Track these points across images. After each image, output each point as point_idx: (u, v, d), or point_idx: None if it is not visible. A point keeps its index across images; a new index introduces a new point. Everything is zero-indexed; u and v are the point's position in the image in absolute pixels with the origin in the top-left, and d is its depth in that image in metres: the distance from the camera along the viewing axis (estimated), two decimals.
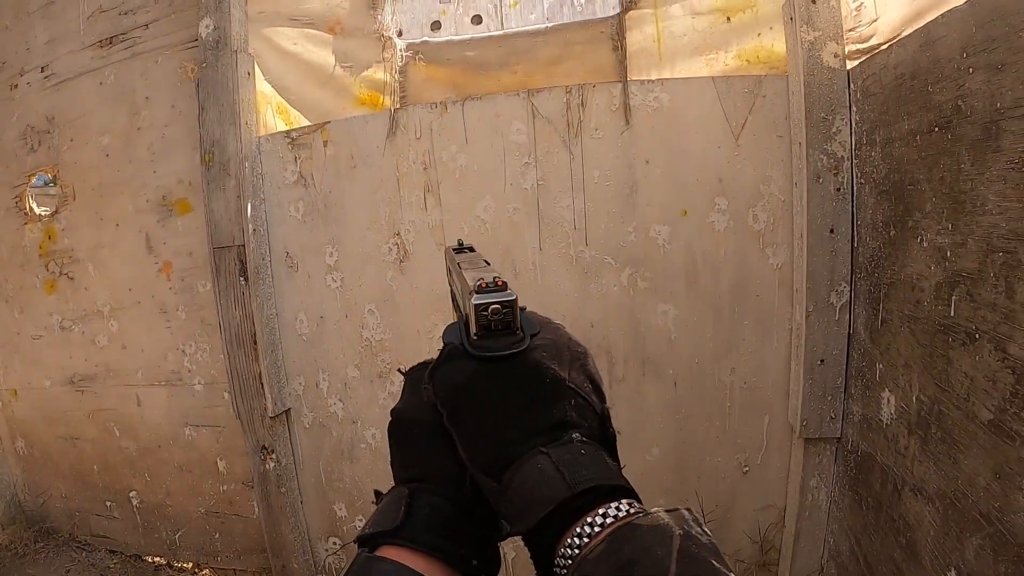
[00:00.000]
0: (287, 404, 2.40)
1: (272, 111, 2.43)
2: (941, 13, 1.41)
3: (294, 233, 2.34)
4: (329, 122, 2.27)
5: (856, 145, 1.83)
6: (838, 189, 1.86)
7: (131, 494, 2.84)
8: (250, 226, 2.30)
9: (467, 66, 2.14)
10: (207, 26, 2.37)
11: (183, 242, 2.50)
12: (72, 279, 2.76)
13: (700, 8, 2.06)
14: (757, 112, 2.00)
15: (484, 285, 0.56)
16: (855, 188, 1.85)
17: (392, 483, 0.62)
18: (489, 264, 0.70)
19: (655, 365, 2.09)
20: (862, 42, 1.86)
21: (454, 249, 0.79)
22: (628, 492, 0.49)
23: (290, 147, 2.32)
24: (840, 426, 1.93)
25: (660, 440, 2.13)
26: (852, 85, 1.84)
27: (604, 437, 0.56)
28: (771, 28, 2.03)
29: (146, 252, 2.58)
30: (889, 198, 1.68)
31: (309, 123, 2.37)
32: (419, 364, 0.67)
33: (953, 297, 1.42)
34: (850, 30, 1.88)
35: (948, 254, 1.45)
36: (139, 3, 2.59)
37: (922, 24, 1.50)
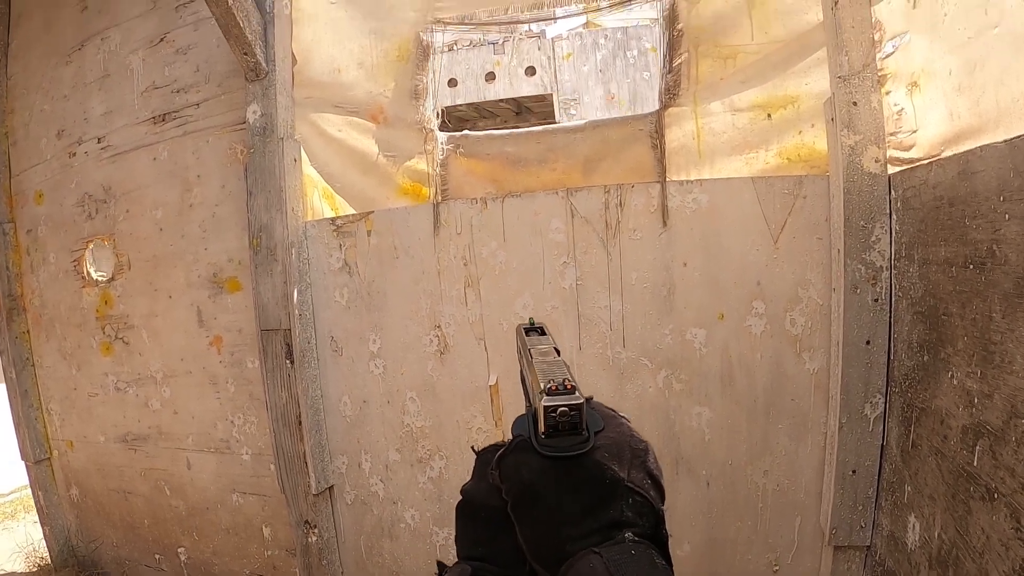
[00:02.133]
0: (330, 481, 2.66)
1: (318, 195, 2.67)
2: (980, 146, 1.51)
3: (338, 318, 2.59)
4: (373, 212, 2.51)
5: (895, 256, 1.96)
6: (876, 300, 1.99)
7: (179, 550, 3.16)
8: (296, 311, 2.55)
9: (507, 161, 2.34)
10: (254, 112, 2.63)
11: (233, 318, 2.78)
12: (127, 344, 3.08)
13: (740, 104, 2.20)
14: (797, 213, 2.14)
15: (554, 387, 0.65)
16: (893, 299, 1.97)
17: (455, 557, 0.72)
18: (559, 353, 0.79)
19: (688, 464, 2.26)
20: (903, 150, 1.97)
21: (525, 329, 0.91)
22: None
23: (335, 234, 2.57)
24: (870, 535, 2.07)
25: (692, 536, 2.31)
26: (893, 192, 1.96)
27: (657, 536, 0.63)
28: (812, 126, 2.16)
29: (197, 325, 2.87)
30: (924, 321, 1.81)
31: (354, 210, 2.60)
32: (490, 447, 0.74)
33: (977, 447, 1.56)
34: (891, 134, 2.00)
35: (975, 401, 1.58)
36: (190, 82, 2.87)
37: (961, 151, 1.59)
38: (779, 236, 2.15)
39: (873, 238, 1.97)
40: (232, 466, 2.91)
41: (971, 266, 1.54)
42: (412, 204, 2.49)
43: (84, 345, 3.24)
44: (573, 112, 5.65)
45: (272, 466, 2.76)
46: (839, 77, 1.95)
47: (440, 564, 0.73)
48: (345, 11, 2.66)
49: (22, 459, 3.50)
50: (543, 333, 0.90)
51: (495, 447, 0.72)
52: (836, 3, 1.96)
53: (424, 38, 2.51)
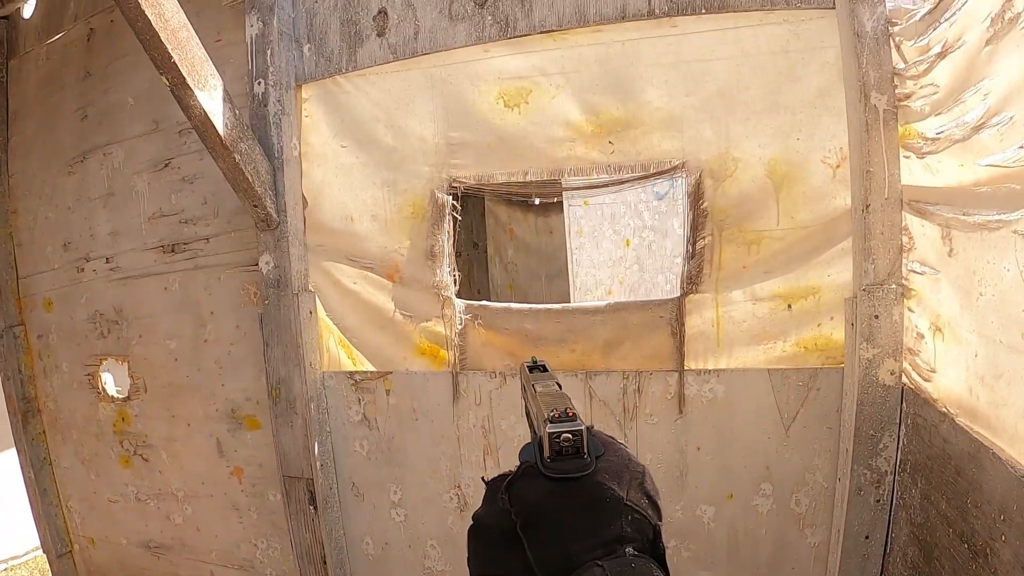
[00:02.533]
0: None
1: (335, 341, 2.73)
2: (995, 454, 1.46)
3: (359, 467, 2.70)
4: (392, 373, 2.58)
5: (900, 466, 2.07)
6: (878, 501, 2.12)
7: None
8: (318, 462, 2.65)
9: (525, 338, 2.39)
10: (267, 262, 2.65)
11: (253, 454, 2.88)
12: (147, 460, 3.18)
13: (761, 294, 2.26)
14: (810, 404, 2.24)
15: (557, 415, 0.75)
16: (894, 505, 2.10)
17: None
18: (560, 387, 0.92)
19: None
20: (918, 373, 2.04)
21: (528, 367, 1.03)
22: None
23: (354, 388, 2.64)
24: None
25: None
26: (905, 404, 2.05)
27: (655, 550, 0.73)
28: (831, 318, 2.23)
29: (217, 455, 2.96)
30: (919, 546, 1.94)
31: (372, 366, 2.65)
32: (499, 476, 0.83)
33: None
34: (909, 349, 2.06)
35: None
36: (198, 214, 2.87)
37: (976, 436, 1.62)
38: (790, 426, 2.26)
39: (881, 445, 2.08)
40: None
41: (967, 545, 1.66)
42: (431, 369, 2.55)
43: (102, 454, 3.33)
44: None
45: None
46: (863, 289, 2.01)
47: None
48: (356, 158, 2.64)
49: (43, 551, 3.63)
50: (545, 370, 1.01)
51: (503, 476, 0.81)
52: (867, 207, 2.01)
53: (440, 197, 2.50)
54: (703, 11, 2.23)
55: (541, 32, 2.38)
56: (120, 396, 3.21)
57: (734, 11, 2.20)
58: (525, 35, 2.39)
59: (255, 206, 2.56)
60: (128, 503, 3.32)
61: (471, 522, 0.85)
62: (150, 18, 2.11)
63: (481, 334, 2.48)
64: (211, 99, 2.32)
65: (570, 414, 0.76)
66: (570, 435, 0.73)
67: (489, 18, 2.43)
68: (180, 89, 2.27)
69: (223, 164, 2.44)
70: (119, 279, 3.09)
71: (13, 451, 3.58)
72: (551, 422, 0.75)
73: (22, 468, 3.52)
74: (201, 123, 2.33)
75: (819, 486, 2.28)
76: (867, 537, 2.16)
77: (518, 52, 2.43)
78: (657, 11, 2.26)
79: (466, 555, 0.85)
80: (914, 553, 1.96)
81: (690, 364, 2.31)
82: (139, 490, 3.26)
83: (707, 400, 2.30)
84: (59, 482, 3.55)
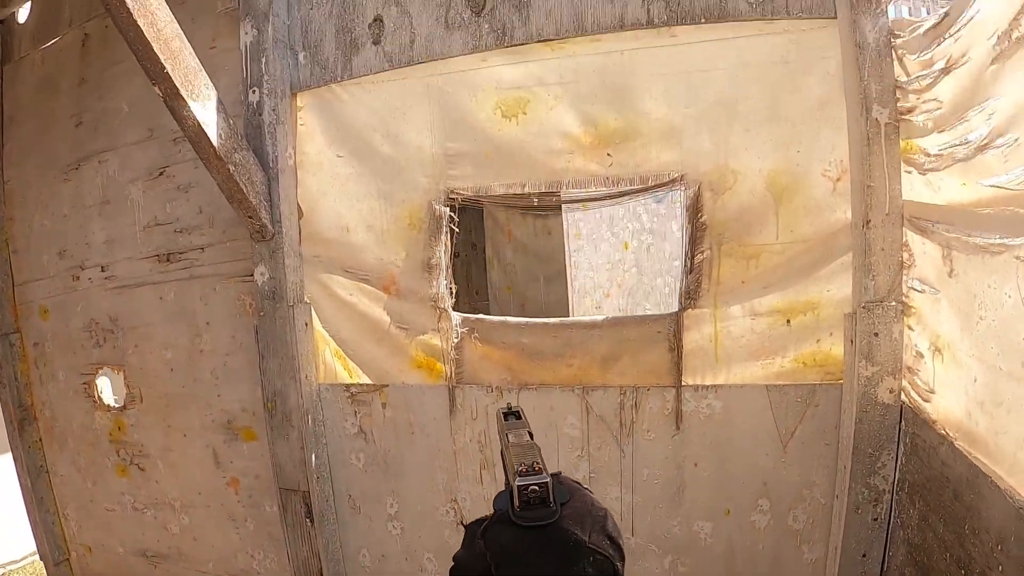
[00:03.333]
0: None
1: (330, 352, 2.70)
2: (992, 482, 1.44)
3: (356, 479, 2.68)
4: (388, 386, 2.56)
5: (898, 484, 2.04)
6: (875, 519, 2.09)
7: None
8: (314, 475, 2.63)
9: (522, 353, 2.37)
10: (262, 274, 2.63)
11: (249, 464, 2.86)
12: (143, 470, 3.16)
13: (760, 309, 2.23)
14: (808, 421, 2.22)
15: (525, 470, 0.86)
16: (891, 523, 2.07)
17: None
18: (531, 437, 1.01)
19: None
20: (918, 393, 2.01)
21: (504, 413, 1.12)
22: None
23: (350, 401, 2.62)
24: None
25: None
26: (904, 422, 2.02)
27: None
28: (831, 334, 2.20)
29: (214, 465, 2.95)
30: (916, 569, 1.91)
31: (368, 379, 2.63)
32: (476, 521, 0.95)
33: None
34: (909, 367, 2.03)
35: None
36: (194, 223, 2.84)
37: (974, 461, 1.59)
38: (789, 442, 2.24)
39: (879, 463, 2.05)
40: None
41: (963, 572, 1.63)
42: (427, 382, 2.53)
43: (99, 463, 3.31)
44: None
45: None
46: (863, 306, 1.98)
47: None
48: (352, 168, 2.61)
49: (40, 559, 3.62)
50: (519, 418, 1.11)
51: (480, 521, 0.92)
52: (868, 223, 1.97)
53: (437, 208, 2.47)
54: (702, 20, 2.20)
55: (539, 41, 2.34)
56: (116, 405, 3.19)
57: (734, 20, 2.17)
58: (522, 44, 2.36)
59: (250, 217, 2.53)
60: (125, 512, 3.31)
61: (451, 563, 0.96)
62: (142, 28, 2.08)
63: (478, 348, 2.46)
64: (205, 110, 2.29)
65: (536, 468, 0.86)
66: (536, 487, 0.83)
67: (486, 26, 2.39)
68: (173, 100, 2.23)
69: (217, 175, 2.42)
70: (114, 288, 3.07)
71: (9, 455, 3.56)
72: (519, 476, 0.85)
73: (19, 476, 3.50)
74: (195, 134, 2.30)
75: (817, 502, 2.25)
76: (864, 555, 2.13)
77: (516, 61, 2.40)
78: (656, 20, 2.22)
79: None
80: (911, 573, 1.93)
81: (688, 379, 2.28)
82: (136, 499, 3.25)
83: (705, 416, 2.27)
84: (56, 490, 3.54)
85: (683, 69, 2.25)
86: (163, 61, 2.14)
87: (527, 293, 8.50)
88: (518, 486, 0.83)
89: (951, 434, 1.69)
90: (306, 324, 2.63)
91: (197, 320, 2.87)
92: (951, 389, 1.72)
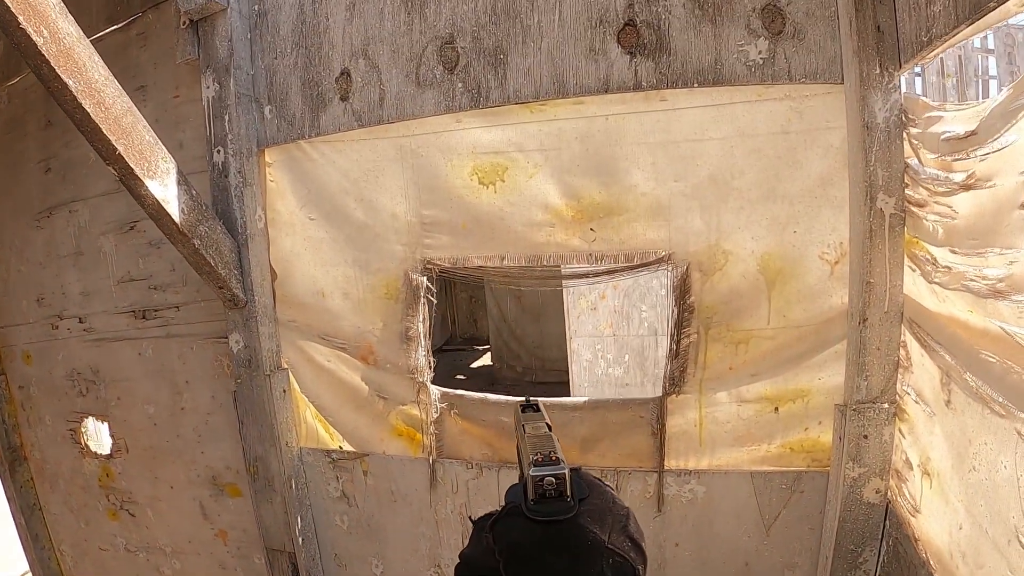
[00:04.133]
0: None
1: (311, 415, 2.64)
2: None
3: (340, 539, 2.66)
4: (368, 456, 2.50)
5: None
6: None
7: None
8: (300, 538, 2.61)
9: (502, 431, 2.30)
10: (237, 342, 2.55)
11: (236, 519, 2.84)
12: (133, 516, 3.16)
13: (748, 396, 2.14)
14: (792, 506, 2.16)
15: (540, 459, 0.77)
16: None
17: None
18: (550, 428, 0.94)
19: None
20: (903, 500, 1.91)
21: (522, 406, 1.07)
22: None
23: (331, 466, 2.58)
24: None
25: None
26: (888, 521, 1.96)
27: None
28: (820, 423, 2.12)
29: (201, 517, 2.93)
30: None
31: (348, 445, 2.57)
32: (484, 515, 0.85)
33: None
34: (897, 471, 1.92)
35: None
36: (167, 281, 2.75)
37: None
38: (772, 526, 2.18)
39: (861, 559, 2.00)
40: None
41: None
42: (407, 452, 2.47)
43: (90, 506, 3.31)
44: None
45: None
46: (853, 408, 1.89)
47: None
48: (326, 232, 2.49)
49: None
50: (537, 410, 1.04)
51: (489, 515, 0.83)
52: (864, 321, 1.86)
53: (414, 278, 2.36)
54: (695, 84, 2.02)
55: (517, 103, 2.18)
56: (103, 453, 3.16)
57: (730, 84, 2.00)
58: (499, 105, 2.20)
59: (220, 288, 2.43)
60: (118, 553, 3.33)
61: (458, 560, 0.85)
62: (88, 111, 1.93)
63: (458, 423, 2.38)
64: (164, 186, 2.16)
65: (554, 458, 0.77)
66: (553, 479, 0.74)
67: (460, 85, 2.22)
68: (129, 179, 2.10)
69: (183, 250, 2.30)
70: (93, 340, 2.99)
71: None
72: (535, 465, 0.75)
73: (13, 515, 3.51)
74: (155, 211, 2.18)
75: None
76: None
77: (493, 124, 2.24)
78: (644, 83, 2.05)
79: None
80: None
81: (670, 463, 2.21)
82: (128, 542, 3.26)
83: (687, 500, 2.21)
84: (50, 527, 3.55)
85: (673, 138, 2.08)
86: (114, 143, 2.00)
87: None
88: (533, 476, 0.74)
89: (933, 564, 1.62)
90: (284, 391, 2.56)
91: (176, 378, 2.81)
92: (936, 520, 1.64)
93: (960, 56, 6.24)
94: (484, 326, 9.82)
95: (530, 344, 8.03)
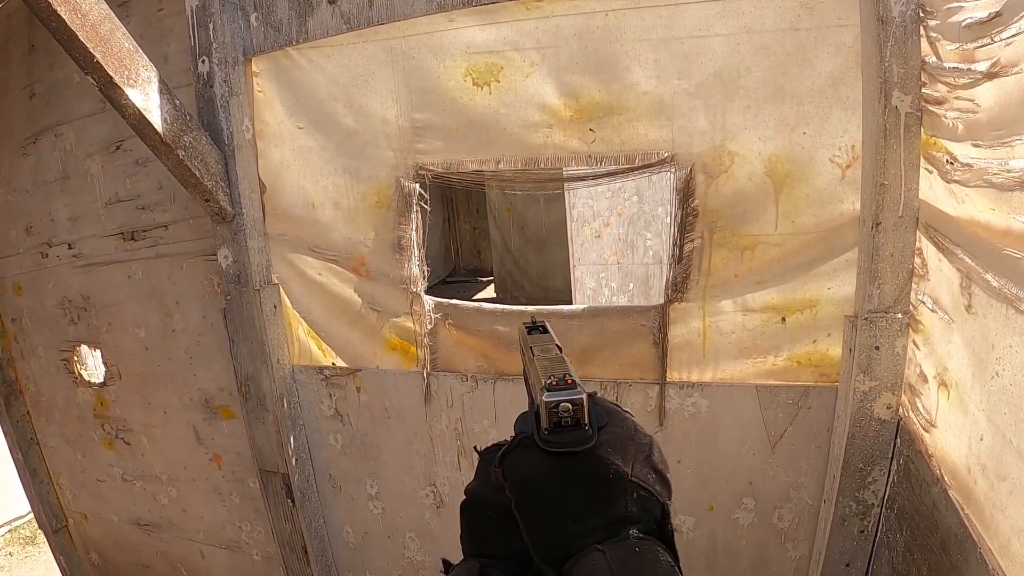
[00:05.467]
0: None
1: (304, 332, 2.58)
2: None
3: (335, 459, 2.62)
4: (361, 371, 2.44)
5: (888, 500, 1.91)
6: (861, 531, 1.97)
7: None
8: (293, 458, 2.57)
9: (498, 341, 2.23)
10: (225, 257, 2.48)
11: (230, 442, 2.80)
12: (128, 444, 3.13)
13: (753, 305, 2.06)
14: (799, 423, 2.09)
15: (555, 383, 0.67)
16: (878, 535, 1.96)
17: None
18: (560, 349, 0.84)
19: None
20: (916, 416, 1.82)
21: (527, 327, 0.96)
22: None
23: (324, 383, 2.53)
24: None
25: None
26: (899, 439, 1.86)
27: (663, 532, 0.65)
28: (828, 335, 2.03)
29: (195, 442, 2.90)
30: None
31: (341, 361, 2.52)
32: (493, 445, 0.77)
33: None
34: (911, 385, 1.84)
35: None
36: (155, 199, 2.68)
37: (964, 510, 1.46)
38: (777, 443, 2.11)
39: (870, 478, 1.90)
40: (244, 562, 3.07)
41: None
42: (401, 367, 2.41)
43: (86, 436, 3.27)
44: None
45: (283, 570, 2.92)
46: (864, 317, 1.79)
47: (445, 562, 0.76)
48: (314, 140, 2.40)
49: (40, 529, 3.67)
50: (545, 331, 0.93)
51: (497, 446, 0.74)
52: (877, 225, 1.75)
53: (406, 185, 2.27)
54: None
55: None
56: (96, 382, 3.12)
57: None
58: (493, 3, 2.09)
59: (207, 200, 2.35)
60: (115, 483, 3.30)
61: (463, 496, 0.77)
62: (64, 17, 1.82)
63: (453, 334, 2.32)
64: (145, 95, 2.06)
65: (569, 382, 0.67)
66: (569, 404, 0.64)
67: None
68: (109, 89, 2.00)
69: (167, 161, 2.21)
70: (83, 266, 2.93)
71: None
72: (548, 390, 0.66)
73: (10, 449, 3.48)
74: (137, 122, 2.09)
75: (803, 503, 2.15)
76: (848, 565, 2.02)
77: (487, 23, 2.13)
78: None
79: (454, 535, 0.75)
80: None
81: (673, 375, 2.14)
82: (124, 471, 3.23)
83: (690, 414, 2.14)
84: (48, 460, 3.53)
85: (676, 35, 1.97)
86: (91, 50, 1.89)
87: (526, 214, 8.31)
88: (546, 402, 0.64)
89: (947, 479, 1.55)
90: (275, 307, 2.49)
91: (167, 299, 2.74)
92: (954, 433, 1.56)
93: None
94: (488, 257, 9.67)
95: (534, 274, 7.92)
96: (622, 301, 4.64)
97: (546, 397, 0.65)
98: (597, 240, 4.65)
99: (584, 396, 0.65)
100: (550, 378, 0.68)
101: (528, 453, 0.66)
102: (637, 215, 5.16)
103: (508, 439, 0.71)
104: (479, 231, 10.91)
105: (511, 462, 0.67)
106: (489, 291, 9.63)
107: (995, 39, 1.35)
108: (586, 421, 0.65)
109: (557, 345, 0.84)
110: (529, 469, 0.65)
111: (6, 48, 2.99)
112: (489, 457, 0.75)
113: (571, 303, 4.92)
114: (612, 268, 4.63)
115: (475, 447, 0.81)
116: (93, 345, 3.05)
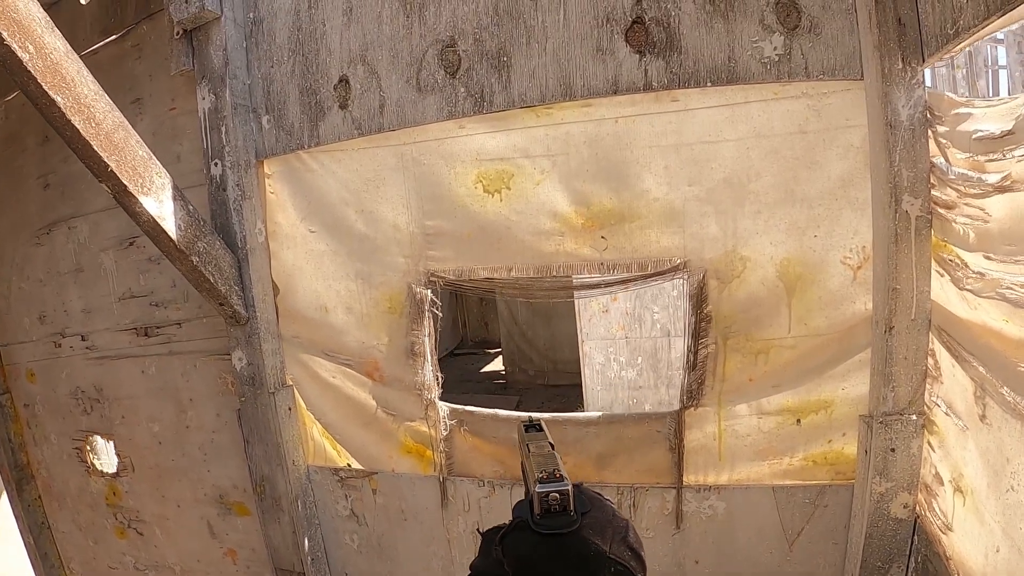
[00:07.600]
0: None
1: (318, 432, 2.55)
2: None
3: (351, 559, 2.57)
4: (377, 473, 2.41)
5: None
6: None
7: None
8: (308, 558, 2.52)
9: (513, 447, 2.19)
10: (240, 359, 2.46)
11: (245, 538, 2.76)
12: (141, 534, 3.08)
13: (768, 408, 2.03)
14: (816, 521, 2.05)
15: (546, 476, 0.81)
16: None
17: None
18: (552, 447, 0.97)
19: None
20: (933, 516, 1.79)
21: (525, 426, 1.08)
22: None
23: (340, 485, 2.49)
24: None
25: None
26: (916, 537, 1.83)
27: None
28: (843, 435, 2.01)
29: (209, 536, 2.85)
30: None
31: (356, 463, 2.48)
32: (493, 528, 0.89)
33: None
34: (927, 486, 1.80)
35: None
36: (168, 297, 2.67)
37: None
38: (795, 541, 2.08)
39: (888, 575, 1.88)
40: None
41: None
42: (417, 470, 2.37)
43: (98, 524, 3.24)
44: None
45: None
46: (879, 420, 1.77)
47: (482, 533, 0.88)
48: (327, 244, 2.39)
49: None
50: (540, 429, 1.05)
51: (497, 528, 0.86)
52: (890, 328, 1.74)
53: (418, 292, 2.26)
54: (708, 83, 1.91)
55: (522, 107, 2.07)
56: (109, 472, 3.09)
57: (744, 83, 1.88)
58: (503, 110, 2.09)
59: (221, 304, 2.34)
60: (127, 571, 3.25)
61: (468, 572, 0.88)
62: (78, 127, 1.84)
63: (468, 440, 2.29)
64: (159, 203, 2.07)
65: (558, 475, 0.81)
66: (558, 494, 0.78)
67: (462, 90, 2.12)
68: (123, 197, 2.01)
69: (181, 267, 2.21)
70: (96, 358, 2.92)
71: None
72: (540, 482, 0.80)
73: (21, 534, 3.45)
74: (151, 228, 2.09)
75: None
76: None
77: (497, 130, 2.13)
78: (655, 84, 1.94)
79: None
80: None
81: (689, 478, 2.10)
82: (137, 560, 3.19)
83: (707, 516, 2.10)
84: (59, 545, 3.49)
85: (686, 140, 1.97)
86: (106, 159, 1.91)
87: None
88: (539, 492, 0.78)
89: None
90: (290, 409, 2.47)
91: (180, 396, 2.73)
92: (971, 540, 1.52)
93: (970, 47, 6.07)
94: (495, 329, 9.64)
95: (542, 347, 7.90)
96: (631, 375, 4.61)
97: (539, 488, 0.79)
98: (604, 315, 4.64)
99: (570, 487, 0.79)
100: (542, 472, 0.82)
101: (524, 534, 0.79)
102: (644, 290, 5.14)
103: (507, 523, 0.83)
104: (487, 303, 10.89)
105: (510, 542, 0.80)
106: (497, 363, 9.48)
107: (1006, 155, 1.34)
108: (572, 508, 0.79)
109: (550, 443, 0.98)
110: (524, 548, 0.78)
111: (21, 136, 3.03)
112: (490, 537, 0.86)
113: (580, 376, 4.88)
114: (620, 342, 4.62)
115: (477, 528, 0.99)
116: (106, 436, 3.03)
